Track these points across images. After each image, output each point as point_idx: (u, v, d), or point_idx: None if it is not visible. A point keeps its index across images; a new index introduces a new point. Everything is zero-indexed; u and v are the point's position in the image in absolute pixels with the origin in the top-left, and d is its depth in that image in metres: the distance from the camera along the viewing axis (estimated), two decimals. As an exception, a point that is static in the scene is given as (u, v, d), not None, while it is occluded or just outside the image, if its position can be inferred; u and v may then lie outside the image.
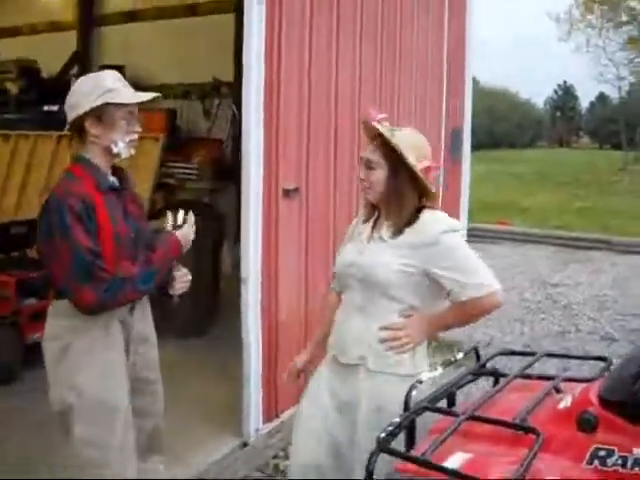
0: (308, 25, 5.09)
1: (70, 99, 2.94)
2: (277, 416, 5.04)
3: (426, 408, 2.54)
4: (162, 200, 7.74)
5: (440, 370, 2.79)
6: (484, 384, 3.28)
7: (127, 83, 3.01)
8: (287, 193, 4.95)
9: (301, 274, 5.23)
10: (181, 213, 3.17)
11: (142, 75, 10.13)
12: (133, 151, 3.01)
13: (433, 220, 2.90)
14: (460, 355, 3.02)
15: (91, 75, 3.03)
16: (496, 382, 2.96)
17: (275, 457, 4.72)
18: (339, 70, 5.52)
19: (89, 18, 10.77)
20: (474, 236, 9.76)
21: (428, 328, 2.97)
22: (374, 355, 2.92)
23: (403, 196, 2.92)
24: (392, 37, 6.57)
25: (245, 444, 4.79)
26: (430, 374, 2.78)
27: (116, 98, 2.87)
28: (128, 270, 2.88)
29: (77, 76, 10.68)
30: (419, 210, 2.94)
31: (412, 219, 2.91)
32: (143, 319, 3.14)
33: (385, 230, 2.97)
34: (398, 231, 2.92)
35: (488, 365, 3.05)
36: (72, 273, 2.77)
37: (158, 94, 3.11)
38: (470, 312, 2.91)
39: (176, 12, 9.46)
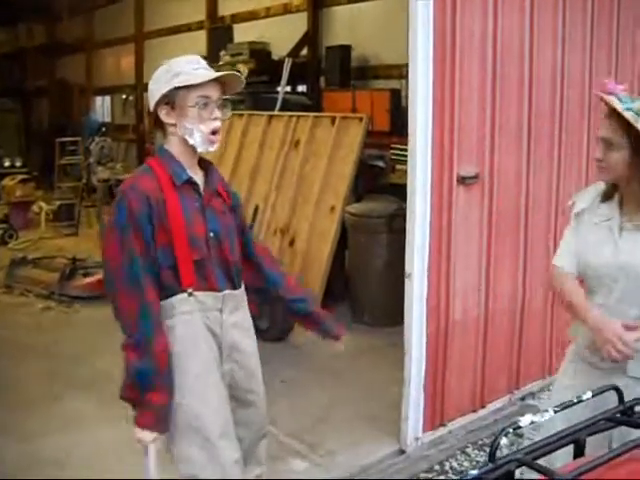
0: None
1: (148, 90, 2.75)
2: (442, 425, 4.60)
3: (519, 462, 1.91)
4: (365, 184, 7.44)
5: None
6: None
7: (206, 65, 2.73)
8: (463, 180, 4.45)
9: (481, 271, 4.71)
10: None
11: (368, 55, 10.02)
12: (213, 148, 2.72)
13: None
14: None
15: (167, 61, 2.76)
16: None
17: (429, 471, 4.28)
18: (535, 35, 4.80)
19: (319, -1, 10.73)
20: None
21: None
22: (635, 360, 2.57)
23: None
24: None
25: (402, 451, 4.43)
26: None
27: (183, 81, 2.61)
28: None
29: (306, 57, 10.82)
30: None
31: None
32: (238, 326, 2.86)
33: (636, 217, 2.65)
34: None
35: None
36: (118, 274, 2.62)
37: (234, 72, 2.79)
38: None
39: (402, -11, 9.10)
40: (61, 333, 6.80)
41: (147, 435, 2.64)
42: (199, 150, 2.70)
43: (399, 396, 4.53)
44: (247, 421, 2.91)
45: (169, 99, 2.65)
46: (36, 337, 6.68)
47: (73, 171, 14.09)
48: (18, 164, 15.05)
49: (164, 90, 2.63)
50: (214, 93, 2.67)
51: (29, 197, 12.25)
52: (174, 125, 2.68)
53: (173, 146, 2.73)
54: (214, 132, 2.68)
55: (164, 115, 2.68)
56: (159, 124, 2.73)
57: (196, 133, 2.65)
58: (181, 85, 2.61)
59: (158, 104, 2.67)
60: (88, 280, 7.90)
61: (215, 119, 2.68)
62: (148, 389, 2.60)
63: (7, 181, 12.25)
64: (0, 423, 4.84)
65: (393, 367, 5.03)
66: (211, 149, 2.72)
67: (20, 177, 12.41)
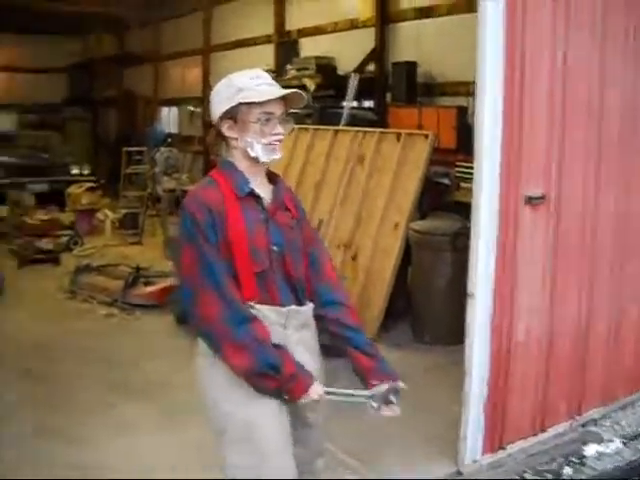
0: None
1: (210, 103, 2.78)
2: (502, 447, 4.53)
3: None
4: (430, 201, 7.40)
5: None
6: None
7: (269, 81, 2.74)
8: (530, 200, 4.40)
9: (545, 292, 4.63)
10: None
11: (434, 71, 10.00)
12: (276, 155, 2.74)
13: None
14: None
15: (229, 75, 2.79)
16: None
17: (484, 495, 4.23)
18: (605, 56, 4.73)
19: (386, 15, 10.76)
20: None
21: None
22: None
23: None
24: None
25: (459, 473, 4.38)
26: None
27: (245, 98, 2.64)
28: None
29: (373, 73, 10.85)
30: None
31: None
32: (302, 344, 2.83)
33: None
34: None
35: None
36: (197, 283, 2.62)
37: (296, 90, 2.78)
38: None
39: (470, 6, 9.05)
40: (122, 340, 6.91)
41: (314, 391, 2.66)
42: (262, 160, 2.71)
43: (458, 416, 4.47)
44: (305, 440, 2.89)
45: (231, 114, 2.67)
46: (97, 343, 6.78)
47: (138, 180, 14.33)
48: (86, 172, 15.28)
49: (227, 105, 2.66)
50: (277, 109, 2.69)
51: (95, 205, 12.50)
52: (236, 139, 2.71)
53: (237, 159, 2.75)
54: (271, 144, 2.70)
55: (226, 129, 2.71)
56: (221, 137, 2.76)
57: (257, 145, 2.67)
58: (244, 101, 2.64)
59: (220, 118, 2.71)
60: (150, 289, 8.03)
61: (277, 134, 2.70)
62: (281, 368, 2.59)
63: (74, 188, 12.50)
64: (56, 427, 4.93)
65: (454, 386, 4.97)
66: (275, 157, 2.73)
67: (87, 185, 12.66)
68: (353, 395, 2.76)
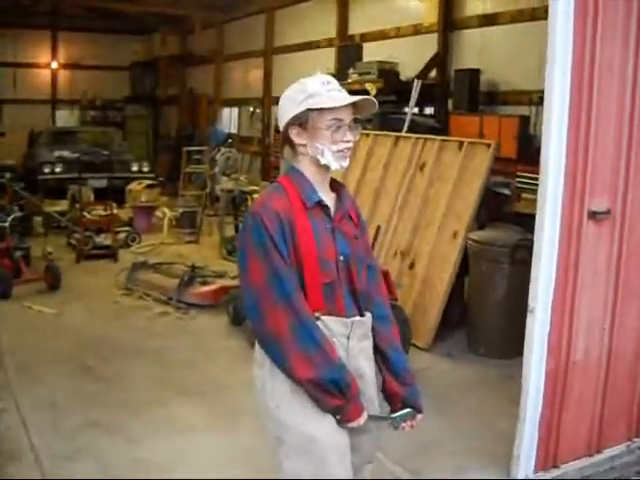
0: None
1: (279, 107, 2.75)
2: (555, 467, 4.43)
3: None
4: (489, 211, 7.30)
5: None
6: None
7: (338, 87, 2.70)
8: (594, 215, 4.30)
9: (606, 310, 4.51)
10: None
11: (497, 79, 9.92)
12: (346, 163, 2.71)
13: None
14: None
15: (301, 80, 2.75)
16: None
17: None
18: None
19: (449, 21, 10.70)
20: None
21: None
22: None
23: None
24: None
25: (511, 489, 4.30)
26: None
27: (317, 103, 2.61)
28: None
29: (435, 79, 10.78)
30: None
31: None
32: (363, 353, 2.82)
33: None
34: None
35: None
36: (265, 293, 2.57)
37: (368, 97, 2.74)
38: None
39: (535, 14, 8.93)
40: (175, 339, 6.95)
41: (362, 419, 2.68)
42: (333, 168, 2.69)
43: (510, 430, 4.41)
44: (358, 447, 2.86)
45: (301, 120, 2.64)
46: (151, 341, 6.86)
47: (197, 180, 14.46)
48: (145, 169, 15.50)
49: (297, 111, 2.63)
50: (347, 116, 2.67)
51: (154, 202, 12.63)
52: (304, 145, 2.68)
53: (304, 166, 2.72)
54: (341, 151, 2.67)
55: (295, 135, 2.68)
56: (288, 142, 2.73)
57: (327, 152, 2.64)
58: (315, 107, 2.61)
59: (289, 124, 2.67)
60: (206, 288, 8.07)
61: (347, 141, 2.67)
62: (345, 386, 2.59)
63: (134, 185, 12.66)
64: (108, 422, 4.99)
65: (507, 400, 4.93)
66: (344, 164, 2.71)
67: (146, 182, 12.81)
68: (383, 418, 2.87)
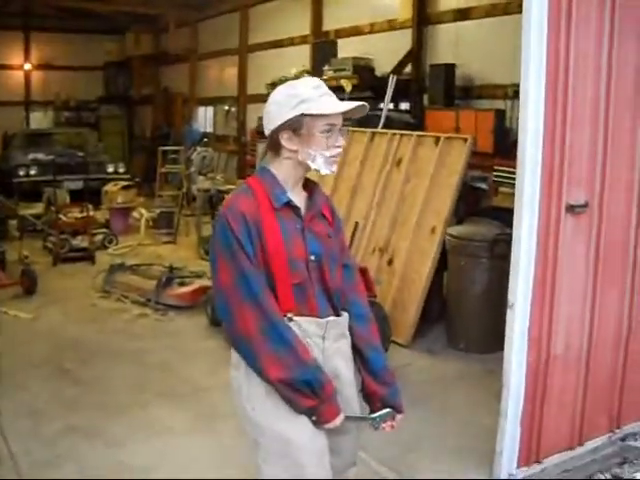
0: None
1: (266, 110, 2.69)
2: (538, 462, 4.42)
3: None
4: (467, 206, 7.29)
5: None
6: None
7: (328, 91, 2.67)
8: (572, 208, 4.29)
9: (585, 303, 4.51)
10: None
11: (472, 74, 9.93)
12: (335, 167, 2.69)
13: None
14: None
15: (288, 83, 2.72)
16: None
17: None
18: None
19: (424, 16, 10.70)
20: None
21: None
22: None
23: None
24: None
25: (494, 486, 4.29)
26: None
27: (312, 109, 2.57)
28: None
29: (410, 75, 10.77)
30: None
31: None
32: (340, 354, 2.79)
33: None
34: None
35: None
36: (233, 294, 2.56)
37: (363, 103, 2.70)
38: None
39: (508, 8, 8.94)
40: (154, 341, 6.89)
41: (338, 420, 2.65)
42: (323, 173, 2.67)
43: (492, 426, 4.40)
44: (339, 449, 2.84)
45: (294, 125, 2.60)
46: (130, 343, 6.79)
47: (174, 180, 14.37)
48: (121, 170, 15.40)
49: (289, 116, 2.59)
50: (339, 121, 2.65)
51: (130, 203, 12.54)
52: (295, 151, 2.64)
53: (282, 168, 2.69)
54: (333, 156, 2.66)
55: (285, 140, 2.63)
56: (275, 147, 2.68)
57: (319, 158, 2.62)
58: (312, 113, 2.57)
59: (280, 129, 2.63)
60: (184, 289, 8.01)
61: (339, 146, 2.66)
62: (319, 387, 2.57)
63: (110, 187, 12.55)
64: (88, 426, 4.94)
65: (488, 395, 4.91)
66: (334, 169, 2.69)
67: (122, 183, 12.71)
68: (362, 418, 2.86)
